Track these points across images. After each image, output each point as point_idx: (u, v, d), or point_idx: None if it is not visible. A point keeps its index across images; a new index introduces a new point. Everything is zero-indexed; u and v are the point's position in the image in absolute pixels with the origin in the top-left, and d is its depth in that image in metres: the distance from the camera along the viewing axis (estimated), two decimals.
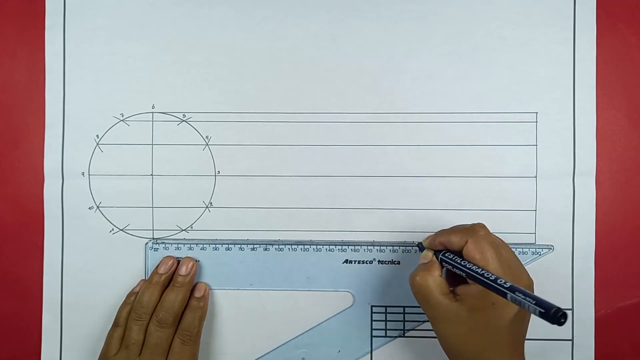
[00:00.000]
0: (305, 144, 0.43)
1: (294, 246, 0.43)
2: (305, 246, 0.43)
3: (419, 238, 0.43)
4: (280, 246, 0.43)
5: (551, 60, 0.43)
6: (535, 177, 0.43)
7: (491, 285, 0.33)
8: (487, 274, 0.33)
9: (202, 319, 0.41)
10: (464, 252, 0.36)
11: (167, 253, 0.43)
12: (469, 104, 0.43)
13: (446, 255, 0.37)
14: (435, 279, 0.36)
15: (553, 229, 0.43)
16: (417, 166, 0.43)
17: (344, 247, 0.43)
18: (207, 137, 0.43)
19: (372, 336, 0.43)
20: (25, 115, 0.44)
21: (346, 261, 0.43)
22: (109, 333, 0.41)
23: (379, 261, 0.43)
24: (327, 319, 0.43)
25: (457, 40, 0.43)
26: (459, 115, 0.43)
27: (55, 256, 0.43)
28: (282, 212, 0.43)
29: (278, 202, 0.43)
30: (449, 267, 0.37)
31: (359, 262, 0.43)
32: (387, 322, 0.43)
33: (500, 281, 0.32)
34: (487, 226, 0.41)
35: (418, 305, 0.43)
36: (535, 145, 0.43)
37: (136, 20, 0.44)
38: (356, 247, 0.43)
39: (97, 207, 0.44)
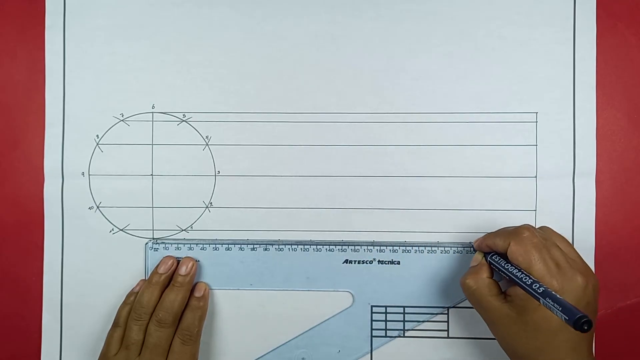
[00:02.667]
0: (305, 144, 0.43)
1: (294, 246, 0.43)
2: (305, 246, 0.43)
3: (419, 238, 0.43)
4: (280, 246, 0.43)
5: (551, 60, 0.43)
6: (535, 177, 0.43)
7: (527, 290, 0.33)
8: (525, 278, 0.33)
9: (202, 318, 0.41)
10: (508, 255, 0.36)
11: (167, 253, 0.43)
12: (469, 104, 0.43)
13: (493, 257, 0.38)
14: (484, 281, 0.37)
15: (553, 228, 0.42)
16: (417, 166, 0.43)
17: (344, 247, 0.43)
18: (207, 137, 0.43)
19: (372, 336, 0.43)
20: (25, 115, 0.44)
21: (346, 261, 0.43)
22: (108, 333, 0.41)
23: (379, 261, 0.43)
24: (327, 319, 0.43)
25: (457, 40, 0.43)
26: (459, 115, 0.43)
27: (55, 256, 0.43)
28: (282, 212, 0.43)
29: (278, 202, 0.43)
30: (496, 269, 0.37)
31: (359, 262, 0.43)
32: (387, 322, 0.43)
33: (535, 286, 0.32)
34: (487, 226, 0.41)
35: (418, 305, 0.43)
36: (535, 145, 0.43)
37: (136, 20, 0.44)
38: (356, 247, 0.43)
39: (97, 207, 0.44)
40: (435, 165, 0.43)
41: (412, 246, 0.43)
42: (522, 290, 0.34)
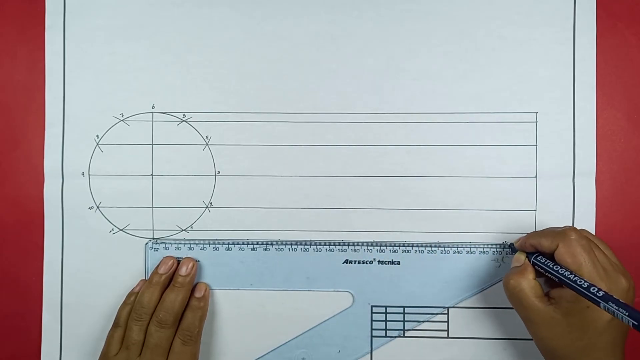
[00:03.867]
0: (305, 144, 0.43)
1: (294, 246, 0.43)
2: (305, 246, 0.43)
3: (419, 238, 0.43)
4: (280, 246, 0.43)
5: (551, 60, 0.43)
6: (535, 177, 0.43)
7: (584, 293, 0.33)
8: (580, 281, 0.33)
9: (202, 319, 0.41)
10: (556, 256, 0.36)
11: (167, 253, 0.43)
12: (469, 104, 0.43)
13: (538, 258, 0.37)
14: (529, 282, 0.36)
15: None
16: (417, 166, 0.43)
17: (344, 247, 0.43)
18: (207, 137, 0.43)
19: (372, 336, 0.43)
20: (25, 115, 0.44)
21: (346, 261, 0.43)
22: (109, 333, 0.41)
23: (379, 261, 0.43)
24: (327, 319, 0.43)
25: (457, 40, 0.43)
26: (459, 115, 0.43)
27: (55, 256, 0.43)
28: (282, 212, 0.43)
29: (278, 202, 0.43)
30: (541, 270, 0.37)
31: (359, 262, 0.43)
32: (387, 322, 0.43)
33: (593, 289, 0.32)
34: (487, 226, 0.41)
35: (418, 305, 0.43)
36: (535, 145, 0.43)
37: (136, 20, 0.44)
38: (356, 247, 0.43)
39: (97, 207, 0.44)
40: (435, 165, 0.43)
41: (412, 246, 0.43)
42: (569, 292, 0.34)
